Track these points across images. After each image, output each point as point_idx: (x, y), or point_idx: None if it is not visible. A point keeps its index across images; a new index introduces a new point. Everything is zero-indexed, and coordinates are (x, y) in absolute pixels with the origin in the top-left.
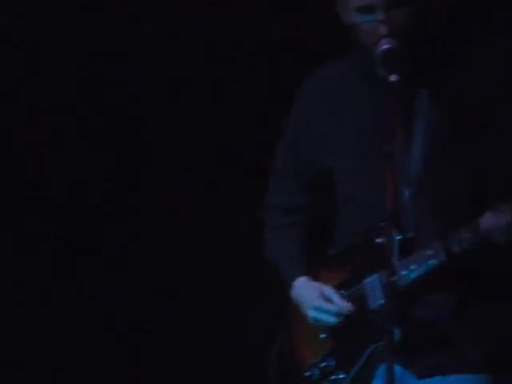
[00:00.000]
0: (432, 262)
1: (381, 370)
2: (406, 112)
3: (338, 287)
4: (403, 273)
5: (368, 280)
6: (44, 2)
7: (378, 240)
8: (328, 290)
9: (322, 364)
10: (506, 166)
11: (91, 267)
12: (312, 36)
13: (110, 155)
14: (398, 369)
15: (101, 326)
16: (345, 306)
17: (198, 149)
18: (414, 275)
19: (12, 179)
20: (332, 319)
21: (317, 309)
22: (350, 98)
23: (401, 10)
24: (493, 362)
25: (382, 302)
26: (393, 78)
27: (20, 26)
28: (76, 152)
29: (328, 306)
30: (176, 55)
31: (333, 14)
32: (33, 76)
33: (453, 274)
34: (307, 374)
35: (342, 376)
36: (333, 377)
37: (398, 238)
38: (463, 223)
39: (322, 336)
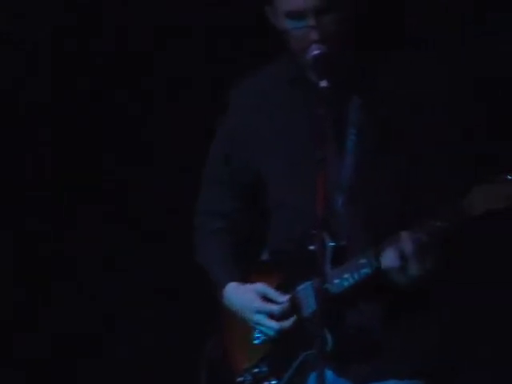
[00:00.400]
0: (365, 270)
1: (312, 378)
2: (338, 118)
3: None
4: (336, 281)
5: (301, 287)
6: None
7: (311, 247)
8: (261, 287)
9: (255, 370)
10: (426, 180)
11: (91, 267)
12: None
13: (110, 155)
14: (330, 375)
15: (101, 326)
16: (285, 300)
17: (198, 149)
18: (346, 284)
19: (12, 179)
20: (272, 324)
21: (259, 311)
22: (281, 104)
23: (330, 15)
24: (424, 369)
25: (315, 309)
26: (323, 83)
27: (20, 25)
28: (76, 152)
29: (268, 305)
30: (176, 55)
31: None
32: (32, 76)
33: (384, 282)
34: (239, 379)
35: (274, 382)
36: (265, 383)
37: (331, 245)
38: (392, 233)
39: (256, 342)
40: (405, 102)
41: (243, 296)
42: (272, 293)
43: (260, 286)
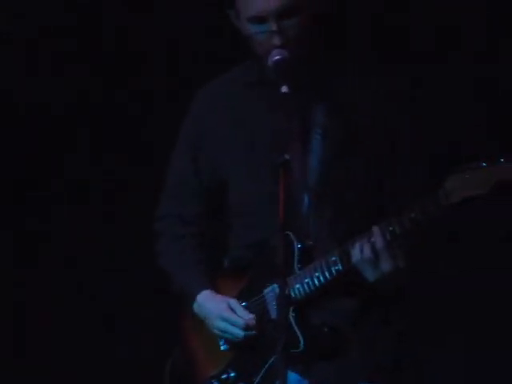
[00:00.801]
0: (336, 267)
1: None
2: (303, 120)
3: (237, 298)
4: (306, 280)
5: (267, 290)
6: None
7: (276, 247)
8: (233, 302)
9: (223, 376)
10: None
11: (91, 267)
12: None
13: (110, 155)
14: (295, 377)
15: (101, 326)
16: (251, 318)
17: None
18: (317, 282)
19: (12, 179)
20: (238, 331)
21: (225, 320)
22: (245, 108)
23: (291, 20)
24: (385, 371)
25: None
26: (284, 89)
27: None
28: (76, 152)
29: (235, 318)
30: (176, 55)
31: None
32: (32, 76)
33: (356, 279)
34: None
35: None
36: None
37: (299, 246)
38: (361, 230)
39: (223, 348)
40: (369, 103)
41: (215, 305)
42: (241, 311)
43: (233, 301)
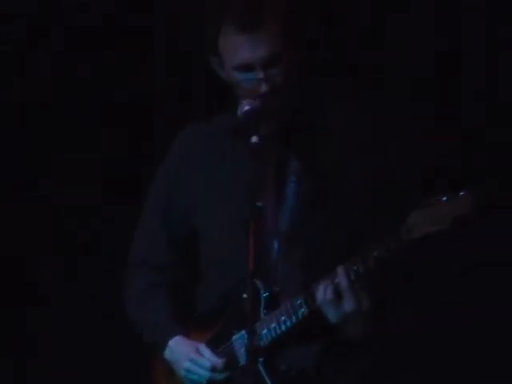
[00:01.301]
0: (302, 310)
1: None
2: (278, 167)
3: (207, 346)
4: (272, 325)
5: (236, 337)
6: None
7: (244, 296)
8: (202, 347)
9: None
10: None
11: (91, 267)
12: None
13: (110, 155)
14: None
15: (101, 326)
16: (218, 361)
17: None
18: (284, 326)
19: (11, 179)
20: (204, 372)
21: (192, 360)
22: (222, 155)
23: (277, 68)
24: None
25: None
26: (254, 139)
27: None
28: (75, 152)
29: (202, 360)
30: (176, 55)
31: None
32: (32, 76)
33: (321, 321)
34: None
35: None
36: None
37: (265, 295)
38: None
39: None
40: (341, 149)
41: (185, 348)
42: (209, 354)
43: (201, 346)
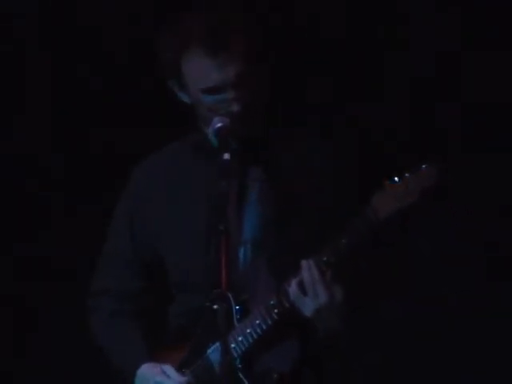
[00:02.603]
0: (276, 311)
1: None
2: (240, 189)
3: (180, 367)
4: (248, 331)
5: (211, 350)
6: None
7: (215, 307)
8: (166, 367)
9: None
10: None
11: (91, 267)
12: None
13: (109, 155)
14: None
15: None
16: (182, 380)
17: None
18: (259, 330)
19: (11, 179)
20: None
21: (157, 383)
22: (183, 179)
23: (247, 87)
24: None
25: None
26: (226, 156)
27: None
28: (74, 152)
29: (167, 381)
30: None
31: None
32: (32, 77)
33: (298, 320)
34: None
35: None
36: None
37: (236, 308)
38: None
39: None
40: (302, 174)
41: (151, 371)
42: (174, 375)
43: (166, 367)
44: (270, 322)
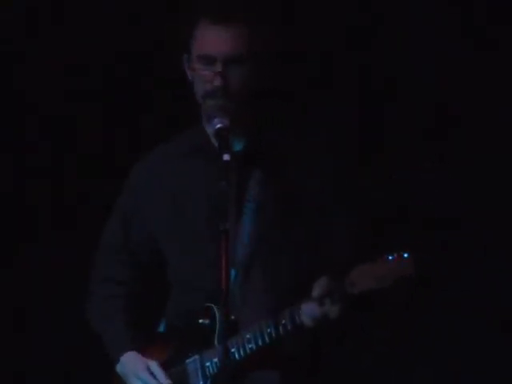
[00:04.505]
0: (269, 331)
1: None
2: (237, 192)
3: (162, 365)
4: (232, 350)
5: (189, 360)
6: None
7: (200, 321)
8: (153, 365)
9: None
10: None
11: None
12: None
13: (110, 155)
14: None
15: None
16: (166, 383)
17: None
18: (249, 347)
19: (10, 179)
20: None
21: (140, 379)
22: (183, 178)
23: (239, 68)
24: None
25: (201, 383)
26: (226, 157)
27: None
28: (75, 153)
29: (152, 380)
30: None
31: None
32: (31, 77)
33: (278, 349)
34: None
35: None
36: None
37: (221, 321)
38: (291, 303)
39: None
40: (302, 175)
41: (135, 365)
42: (160, 374)
43: (153, 364)
44: (259, 344)
